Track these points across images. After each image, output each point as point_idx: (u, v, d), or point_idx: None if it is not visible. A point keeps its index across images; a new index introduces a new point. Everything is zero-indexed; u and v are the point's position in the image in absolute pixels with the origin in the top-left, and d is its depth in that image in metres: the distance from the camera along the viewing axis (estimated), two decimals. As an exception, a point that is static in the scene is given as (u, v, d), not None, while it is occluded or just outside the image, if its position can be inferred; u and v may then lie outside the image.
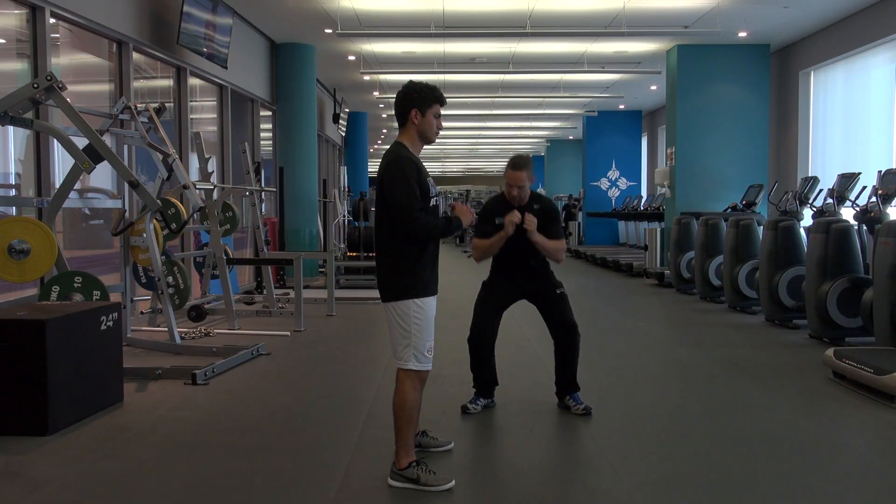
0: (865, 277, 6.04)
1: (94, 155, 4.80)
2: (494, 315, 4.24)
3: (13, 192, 6.07)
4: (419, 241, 3.15)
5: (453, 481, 3.09)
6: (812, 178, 8.27)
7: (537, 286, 4.24)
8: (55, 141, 5.44)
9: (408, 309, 3.13)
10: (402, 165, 3.15)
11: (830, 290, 6.02)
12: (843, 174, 7.44)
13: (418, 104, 3.23)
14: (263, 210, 10.05)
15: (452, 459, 3.43)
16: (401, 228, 3.11)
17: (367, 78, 13.50)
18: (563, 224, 18.98)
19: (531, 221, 4.00)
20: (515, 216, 3.99)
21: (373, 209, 12.48)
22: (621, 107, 17.72)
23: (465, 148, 28.88)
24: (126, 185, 5.28)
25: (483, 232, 4.17)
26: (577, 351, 4.23)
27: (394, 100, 3.32)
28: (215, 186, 6.98)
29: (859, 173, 7.26)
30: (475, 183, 40.69)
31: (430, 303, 3.19)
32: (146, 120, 5.51)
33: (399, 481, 3.09)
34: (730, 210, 9.93)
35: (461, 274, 12.42)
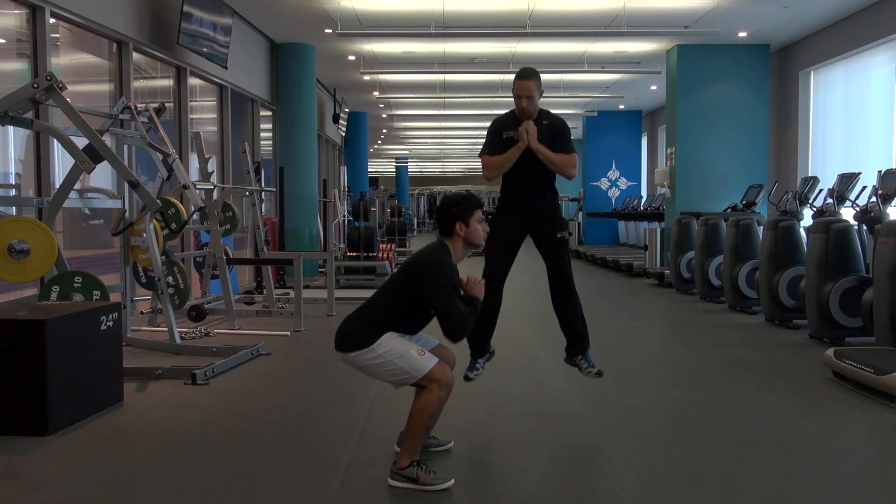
0: (870, 277, 6.04)
1: (94, 155, 4.80)
2: (504, 259, 4.11)
3: (13, 192, 6.07)
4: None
5: (452, 480, 3.09)
6: (812, 178, 8.27)
7: (542, 221, 4.09)
8: (55, 141, 5.44)
9: (365, 357, 3.16)
10: (448, 274, 3.22)
11: (833, 290, 6.01)
12: (843, 174, 7.44)
13: (462, 217, 3.31)
14: (263, 210, 10.06)
15: (452, 459, 3.43)
16: (447, 332, 3.18)
17: (367, 78, 13.50)
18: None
19: (531, 129, 3.88)
20: (530, 125, 3.88)
21: (373, 209, 12.58)
22: (621, 107, 17.72)
23: (465, 148, 28.88)
24: (126, 185, 5.28)
25: (491, 148, 4.05)
26: (577, 304, 4.09)
27: (435, 211, 3.33)
28: (215, 186, 6.98)
29: (859, 173, 7.26)
30: (475, 183, 40.69)
31: (387, 337, 3.18)
32: (146, 120, 5.51)
33: (399, 481, 3.09)
34: (730, 210, 9.92)
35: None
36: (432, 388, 3.10)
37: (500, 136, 4.04)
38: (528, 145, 3.90)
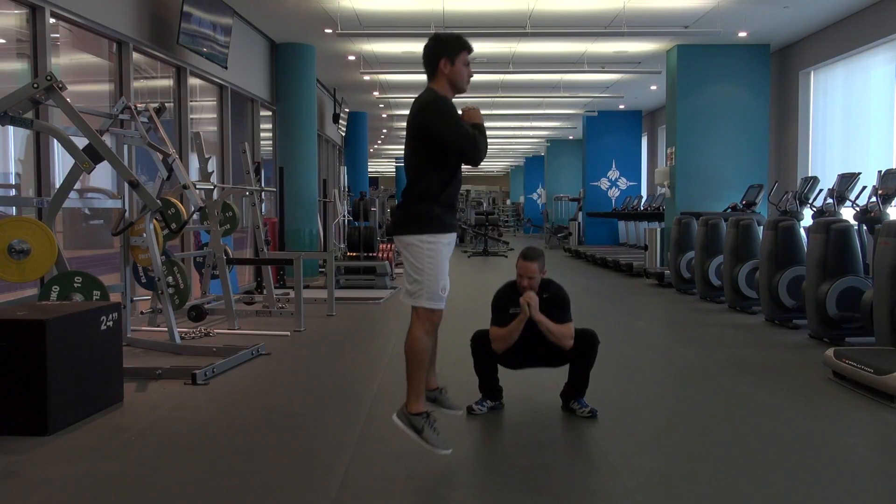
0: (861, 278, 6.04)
1: (94, 155, 4.80)
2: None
3: (13, 192, 6.07)
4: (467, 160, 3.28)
5: (450, 450, 3.10)
6: (812, 178, 8.27)
7: (550, 354, 4.18)
8: (55, 141, 5.44)
9: (421, 244, 3.19)
10: (444, 104, 3.26)
11: (830, 290, 6.01)
12: (843, 174, 7.44)
13: (447, 53, 3.32)
14: (263, 210, 10.06)
15: (451, 459, 3.43)
16: (468, 156, 3.24)
17: (367, 78, 13.50)
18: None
19: (533, 302, 4.00)
20: (530, 297, 4.00)
21: (373, 209, 12.58)
22: (621, 107, 17.71)
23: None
24: (126, 185, 5.28)
25: (500, 321, 4.13)
26: (594, 358, 4.19)
27: (421, 54, 3.38)
28: (215, 186, 6.98)
29: (859, 173, 7.26)
30: (475, 183, 40.70)
31: (444, 239, 3.23)
32: (146, 120, 5.51)
33: (404, 423, 3.12)
34: (730, 210, 9.93)
35: (462, 273, 12.42)
36: (419, 325, 3.22)
37: (506, 311, 4.14)
38: (532, 315, 4.00)
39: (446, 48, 3.32)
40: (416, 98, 3.36)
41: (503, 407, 4.27)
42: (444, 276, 3.24)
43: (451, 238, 3.33)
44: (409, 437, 3.12)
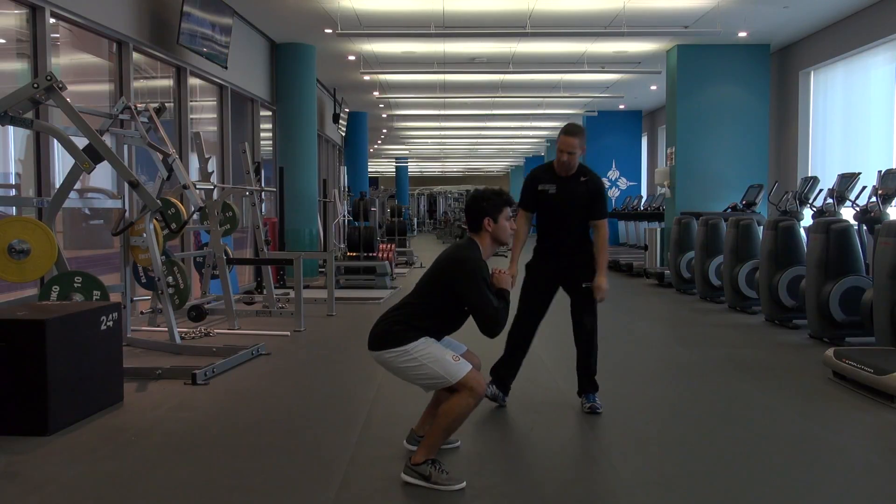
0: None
1: (94, 155, 4.80)
2: (537, 306, 4.28)
3: (13, 192, 6.07)
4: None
5: (464, 483, 3.09)
6: (812, 178, 8.27)
7: (571, 269, 4.22)
8: (55, 141, 5.44)
9: (403, 354, 3.13)
10: (479, 268, 3.25)
11: (833, 290, 6.00)
12: (843, 174, 7.44)
13: (490, 213, 3.35)
14: (263, 210, 10.05)
15: (451, 459, 3.43)
16: (485, 329, 3.22)
17: (367, 78, 13.50)
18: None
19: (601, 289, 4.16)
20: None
21: (373, 209, 12.58)
22: (621, 107, 17.72)
23: (465, 148, 28.88)
24: (126, 185, 5.28)
25: (527, 201, 4.28)
26: (592, 353, 4.26)
27: (464, 206, 3.45)
28: (215, 186, 6.98)
29: (859, 173, 7.26)
30: (475, 183, 40.72)
31: (424, 339, 3.17)
32: (146, 120, 5.51)
33: (412, 476, 3.10)
34: (730, 210, 9.93)
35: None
36: (464, 393, 3.09)
37: (535, 188, 4.24)
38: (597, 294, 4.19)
39: (490, 207, 3.35)
40: (457, 244, 3.40)
41: (506, 405, 4.27)
42: (442, 352, 3.14)
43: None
44: (414, 491, 3.04)
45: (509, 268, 4.07)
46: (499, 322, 3.21)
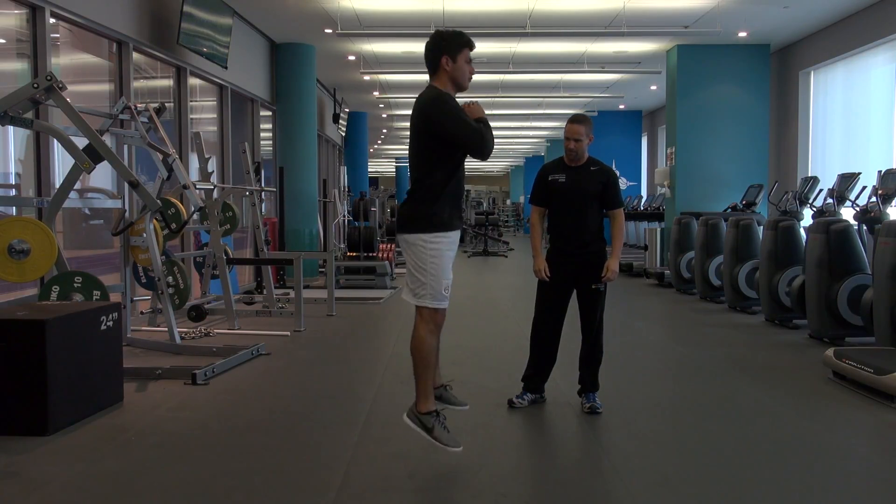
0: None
1: (94, 155, 4.80)
2: (556, 307, 4.27)
3: (13, 192, 6.07)
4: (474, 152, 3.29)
5: (461, 448, 3.10)
6: (812, 178, 8.27)
7: (581, 269, 4.22)
8: (55, 141, 5.44)
9: (424, 243, 3.19)
10: (447, 100, 3.25)
11: (840, 289, 6.00)
12: (843, 174, 7.45)
13: (448, 50, 3.30)
14: (263, 210, 10.05)
15: (452, 459, 3.43)
16: (476, 149, 3.24)
17: (367, 78, 13.50)
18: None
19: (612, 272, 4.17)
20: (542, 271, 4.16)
21: (373, 209, 12.57)
22: (621, 107, 17.72)
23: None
24: (126, 185, 5.28)
25: (538, 194, 4.31)
26: (595, 356, 4.27)
27: (423, 52, 3.37)
28: (215, 186, 6.98)
29: (859, 173, 7.26)
30: (475, 183, 40.72)
31: (447, 238, 3.24)
32: (146, 120, 5.51)
33: (414, 423, 3.12)
34: (730, 210, 9.93)
35: (463, 274, 12.41)
36: (423, 325, 3.22)
37: (545, 180, 4.28)
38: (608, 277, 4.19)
39: (448, 45, 3.30)
40: (419, 96, 3.35)
41: (545, 400, 4.30)
42: (448, 275, 3.25)
43: (455, 236, 3.33)
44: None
45: (535, 262, 4.12)
46: (485, 138, 3.24)
